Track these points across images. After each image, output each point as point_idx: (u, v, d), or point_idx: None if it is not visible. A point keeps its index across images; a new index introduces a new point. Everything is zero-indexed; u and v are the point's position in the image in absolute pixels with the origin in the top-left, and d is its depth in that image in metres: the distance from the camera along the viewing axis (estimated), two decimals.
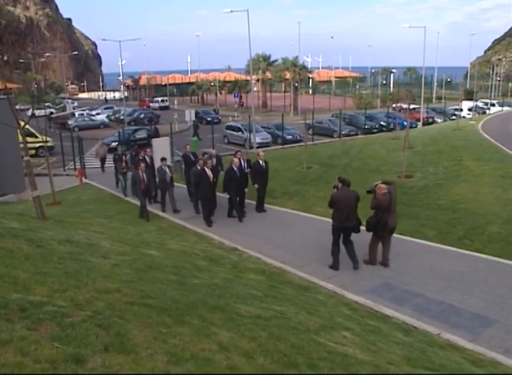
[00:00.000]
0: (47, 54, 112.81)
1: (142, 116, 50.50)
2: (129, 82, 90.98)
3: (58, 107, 67.13)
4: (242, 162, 15.21)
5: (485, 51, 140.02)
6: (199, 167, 14.75)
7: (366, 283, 9.61)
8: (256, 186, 15.31)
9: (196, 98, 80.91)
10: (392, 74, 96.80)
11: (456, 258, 10.89)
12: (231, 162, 14.85)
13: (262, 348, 4.54)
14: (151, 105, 71.52)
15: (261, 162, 15.29)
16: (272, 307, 6.63)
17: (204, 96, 78.56)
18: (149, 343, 3.99)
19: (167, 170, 16.11)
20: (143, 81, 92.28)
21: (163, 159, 16.49)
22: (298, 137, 34.17)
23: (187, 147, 18.32)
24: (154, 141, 22.64)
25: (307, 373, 4.25)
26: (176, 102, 70.58)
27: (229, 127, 36.75)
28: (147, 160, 17.69)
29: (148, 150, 18.65)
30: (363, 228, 10.49)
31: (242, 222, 14.61)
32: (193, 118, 31.99)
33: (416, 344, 6.67)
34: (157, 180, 16.54)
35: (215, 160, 16.23)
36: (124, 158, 19.99)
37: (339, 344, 5.55)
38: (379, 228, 10.31)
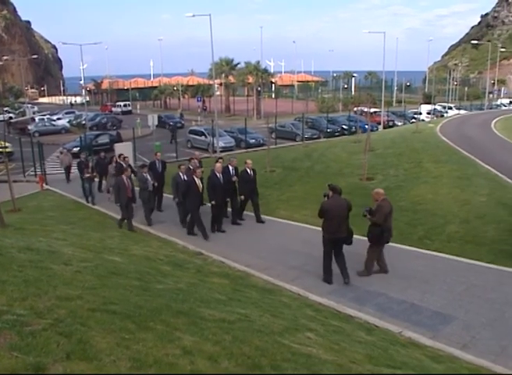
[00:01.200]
0: (5, 57, 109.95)
1: (104, 120, 49.81)
2: (90, 86, 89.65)
3: (17, 112, 65.42)
4: (230, 169, 14.43)
5: (442, 57, 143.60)
6: (181, 175, 13.99)
7: (329, 285, 9.72)
8: (242, 197, 14.52)
9: (159, 102, 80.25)
10: (353, 78, 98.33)
11: (417, 258, 11.15)
12: (213, 168, 13.97)
13: (226, 352, 4.55)
14: (113, 109, 70.61)
15: (248, 170, 14.42)
16: (236, 310, 6.64)
17: (167, 100, 78.01)
18: (112, 349, 3.95)
19: (148, 178, 15.05)
20: (105, 85, 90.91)
21: (143, 166, 15.56)
22: (261, 141, 34.35)
23: (158, 154, 17.35)
24: (117, 146, 22.42)
25: (271, 374, 4.29)
26: (138, 107, 69.93)
27: (193, 132, 36.65)
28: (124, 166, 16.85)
29: (123, 155, 17.96)
30: (358, 238, 10.52)
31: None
32: (156, 122, 31.73)
33: (378, 343, 6.79)
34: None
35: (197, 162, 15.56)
36: (90, 164, 19.43)
37: (303, 345, 5.61)
38: (385, 237, 9.90)
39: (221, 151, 30.56)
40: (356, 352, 5.91)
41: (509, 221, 12.93)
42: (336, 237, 9.70)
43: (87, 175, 18.59)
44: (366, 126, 25.87)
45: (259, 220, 14.71)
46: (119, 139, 34.08)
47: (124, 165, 17.02)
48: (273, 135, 34.78)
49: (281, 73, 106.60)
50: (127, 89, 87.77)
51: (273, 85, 79.15)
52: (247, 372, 4.22)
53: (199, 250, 12.01)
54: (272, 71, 76.42)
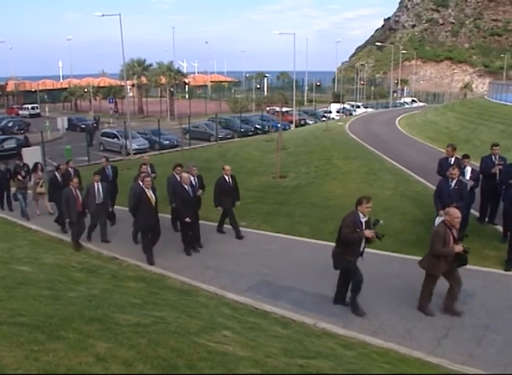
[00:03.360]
0: None
1: (10, 124, 47.34)
2: None
3: None
4: (192, 179, 12.23)
5: (350, 58, 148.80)
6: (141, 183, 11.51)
7: (245, 283, 9.84)
8: (220, 208, 12.89)
9: (69, 104, 77.26)
10: (265, 78, 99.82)
11: (329, 251, 11.43)
12: (180, 179, 11.79)
13: (141, 355, 4.53)
14: (20, 112, 67.01)
15: (226, 177, 12.69)
16: (152, 313, 6.61)
17: (78, 102, 75.34)
18: (20, 363, 3.82)
19: (100, 188, 13.02)
20: (10, 87, 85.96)
21: (95, 173, 13.39)
22: (175, 142, 34.16)
23: (103, 160, 15.71)
24: (24, 151, 21.38)
25: (187, 374, 4.35)
26: (47, 109, 66.84)
27: (105, 134, 35.81)
28: (58, 177, 15.08)
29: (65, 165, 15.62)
30: None
31: (191, 255, 11.77)
32: (66, 125, 30.55)
33: (294, 336, 7.00)
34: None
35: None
36: (23, 172, 16.76)
37: (219, 343, 5.68)
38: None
39: (134, 154, 30.12)
40: (272, 347, 6.06)
41: (413, 212, 13.72)
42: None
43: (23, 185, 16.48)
44: (278, 126, 26.39)
45: (239, 236, 12.81)
46: (27, 143, 32.38)
47: (59, 176, 15.07)
48: (187, 136, 34.79)
49: (194, 73, 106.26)
50: (35, 91, 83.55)
51: (186, 86, 78.72)
52: (163, 373, 4.24)
53: (114, 255, 11.76)
54: (185, 72, 76.17)
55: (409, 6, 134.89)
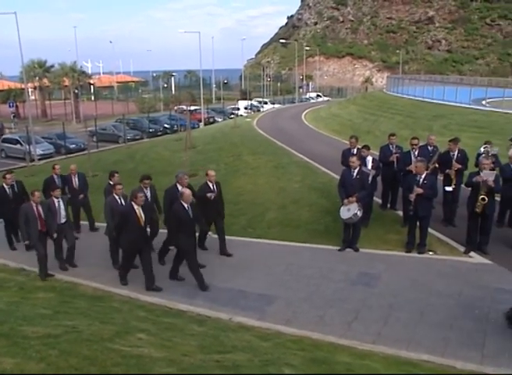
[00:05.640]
0: None
1: None
2: None
3: None
4: (180, 188, 10.25)
5: (256, 55, 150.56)
6: (117, 197, 10.44)
7: (158, 283, 9.67)
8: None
9: None
10: (173, 77, 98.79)
11: (241, 246, 11.63)
12: (180, 196, 9.42)
13: (52, 367, 4.43)
14: None
15: (211, 185, 10.93)
16: (63, 323, 6.44)
17: None
18: None
19: (61, 204, 11.10)
20: None
21: (54, 188, 11.21)
22: (82, 146, 33.00)
23: (56, 167, 13.60)
24: None
25: None
26: None
27: (6, 140, 33.81)
28: (7, 190, 12.46)
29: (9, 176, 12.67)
30: None
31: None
32: None
33: (210, 332, 7.07)
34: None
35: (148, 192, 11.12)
36: None
37: (134, 346, 5.64)
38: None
39: (39, 159, 28.94)
40: (188, 345, 6.09)
41: (320, 203, 14.19)
42: None
43: None
44: (186, 124, 26.41)
45: (224, 252, 11.19)
46: None
47: (7, 189, 12.37)
48: (94, 138, 33.81)
49: (99, 74, 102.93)
50: None
51: (92, 87, 76.25)
52: None
53: (21, 266, 11.19)
54: (89, 72, 73.93)
55: (311, 4, 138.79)
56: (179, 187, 10.27)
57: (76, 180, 13.47)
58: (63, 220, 11.01)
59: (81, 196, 13.45)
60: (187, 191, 9.41)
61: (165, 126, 42.09)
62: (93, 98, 77.37)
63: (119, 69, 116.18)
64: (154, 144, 29.91)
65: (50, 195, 11.21)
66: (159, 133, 40.06)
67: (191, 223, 9.38)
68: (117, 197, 10.65)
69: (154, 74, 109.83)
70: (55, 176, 13.32)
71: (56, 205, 10.88)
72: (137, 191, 9.57)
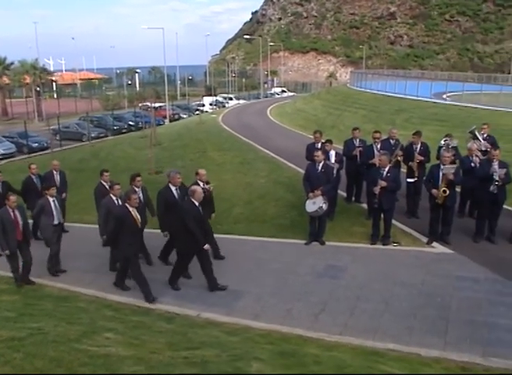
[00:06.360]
0: None
1: None
2: None
3: None
4: (173, 189, 9.91)
5: (221, 51, 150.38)
6: (114, 198, 9.76)
7: (126, 282, 9.60)
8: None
9: None
10: (137, 74, 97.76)
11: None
12: (191, 194, 8.85)
13: (16, 370, 4.39)
14: None
15: (201, 184, 10.11)
16: (28, 325, 6.36)
17: None
18: None
19: (56, 205, 10.29)
20: None
21: (46, 188, 10.44)
22: (45, 144, 32.35)
23: (32, 166, 12.88)
24: None
25: None
26: None
27: None
28: None
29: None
30: None
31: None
32: None
33: (178, 329, 7.07)
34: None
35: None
36: None
37: (101, 346, 5.60)
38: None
39: (1, 159, 28.29)
40: (156, 342, 6.09)
41: (285, 198, 14.27)
42: None
43: None
44: (151, 121, 26.21)
45: (218, 256, 10.53)
46: None
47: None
48: (57, 137, 33.20)
49: (62, 71, 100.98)
50: None
51: (54, 84, 74.76)
52: None
53: None
54: (51, 70, 72.42)
55: (274, 0, 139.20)
56: (173, 188, 9.90)
57: (57, 178, 12.86)
58: (56, 222, 10.26)
59: (64, 195, 12.71)
60: (199, 189, 8.99)
61: (130, 123, 41.55)
62: (55, 95, 75.90)
63: (82, 66, 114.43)
64: (118, 142, 29.58)
65: (41, 195, 10.50)
66: (124, 131, 39.49)
67: (203, 222, 9.11)
68: (114, 198, 9.97)
69: (118, 71, 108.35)
70: (34, 177, 12.63)
71: (52, 204, 10.15)
72: (131, 193, 9.01)
